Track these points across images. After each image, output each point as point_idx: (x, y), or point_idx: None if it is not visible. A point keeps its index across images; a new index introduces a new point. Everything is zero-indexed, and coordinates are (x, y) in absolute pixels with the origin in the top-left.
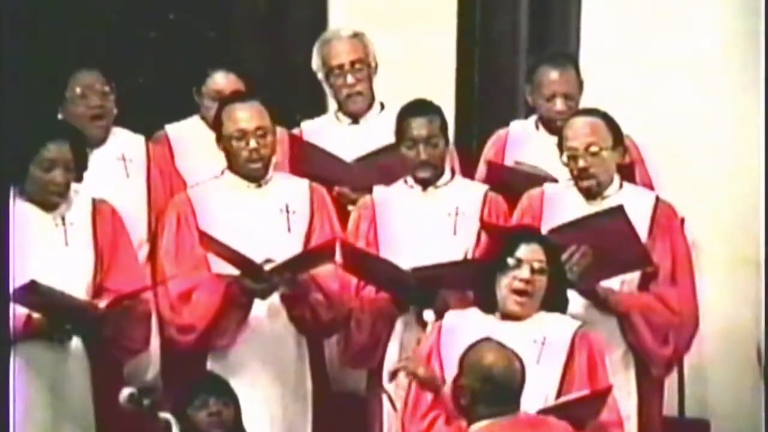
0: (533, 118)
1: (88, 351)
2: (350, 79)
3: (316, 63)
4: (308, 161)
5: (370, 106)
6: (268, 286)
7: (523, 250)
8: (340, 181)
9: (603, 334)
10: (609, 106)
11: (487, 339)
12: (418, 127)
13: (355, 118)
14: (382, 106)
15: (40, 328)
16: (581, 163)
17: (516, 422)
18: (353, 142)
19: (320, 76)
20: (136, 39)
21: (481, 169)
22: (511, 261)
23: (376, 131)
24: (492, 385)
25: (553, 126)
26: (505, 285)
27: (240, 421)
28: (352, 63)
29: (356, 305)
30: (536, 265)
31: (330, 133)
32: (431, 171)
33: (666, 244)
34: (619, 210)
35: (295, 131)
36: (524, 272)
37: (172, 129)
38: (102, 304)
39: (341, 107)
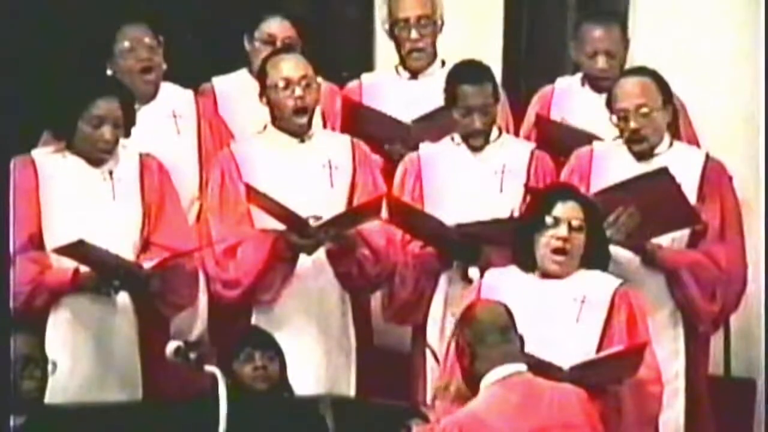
0: (579, 75)
1: (135, 305)
2: (414, 34)
3: (382, 13)
4: (364, 123)
5: (431, 62)
6: (315, 242)
7: (560, 209)
8: (396, 143)
9: (651, 292)
10: (658, 63)
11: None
12: (473, 96)
13: (414, 74)
14: (443, 63)
15: (87, 281)
16: (632, 124)
17: (526, 381)
18: (412, 97)
19: (385, 27)
20: None
21: (527, 125)
22: (548, 219)
23: (435, 87)
24: (477, 327)
25: (597, 84)
26: (543, 244)
27: (285, 375)
28: (419, 18)
29: (401, 260)
30: (574, 223)
31: (389, 87)
32: (483, 138)
33: (715, 202)
34: (665, 171)
35: (353, 84)
36: (562, 230)
37: (218, 81)
38: (147, 264)
39: (402, 61)
